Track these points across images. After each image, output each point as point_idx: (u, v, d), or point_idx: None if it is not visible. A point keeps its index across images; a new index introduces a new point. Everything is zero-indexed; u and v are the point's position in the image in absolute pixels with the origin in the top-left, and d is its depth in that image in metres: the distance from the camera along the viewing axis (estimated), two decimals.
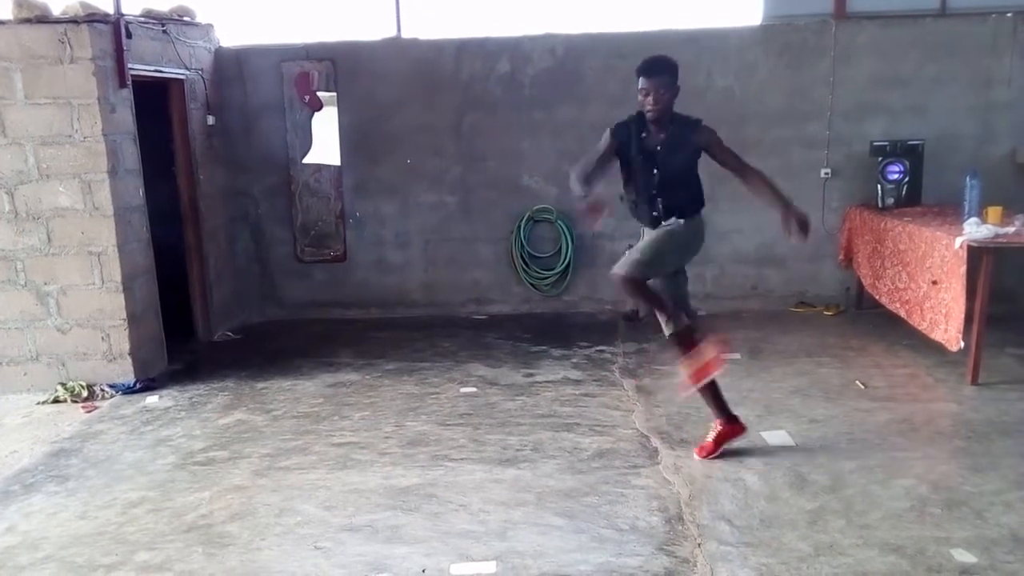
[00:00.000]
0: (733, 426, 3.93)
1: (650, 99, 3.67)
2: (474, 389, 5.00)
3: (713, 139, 3.77)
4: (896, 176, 6.02)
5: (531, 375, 5.24)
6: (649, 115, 3.72)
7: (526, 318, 6.72)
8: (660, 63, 3.70)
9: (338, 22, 6.81)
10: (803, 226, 3.56)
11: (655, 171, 3.75)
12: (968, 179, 5.22)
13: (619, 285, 3.85)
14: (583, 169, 3.76)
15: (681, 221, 3.80)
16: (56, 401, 5.02)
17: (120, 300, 5.11)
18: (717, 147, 3.77)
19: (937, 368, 4.98)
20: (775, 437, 4.07)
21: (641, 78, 3.69)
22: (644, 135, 3.77)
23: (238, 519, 3.44)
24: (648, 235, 3.88)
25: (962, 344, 4.65)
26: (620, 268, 3.79)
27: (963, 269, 4.56)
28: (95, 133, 4.92)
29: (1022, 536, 3.08)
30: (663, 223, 3.82)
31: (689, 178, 3.82)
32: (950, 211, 5.54)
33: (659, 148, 3.74)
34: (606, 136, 3.85)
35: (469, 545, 3.16)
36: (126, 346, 5.16)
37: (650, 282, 3.87)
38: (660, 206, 3.79)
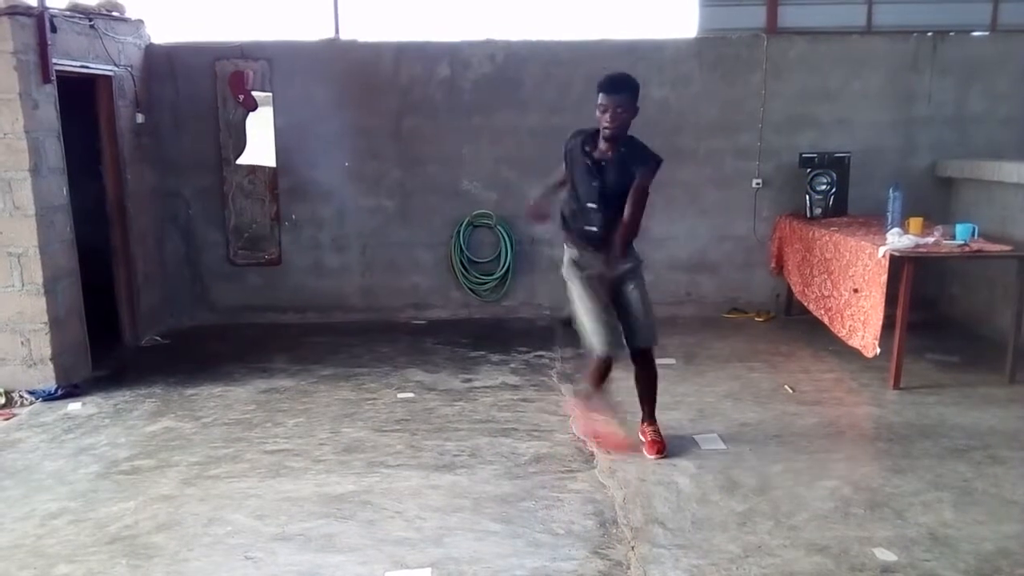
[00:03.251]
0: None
1: (607, 116, 3.63)
2: (412, 395, 4.97)
3: (643, 176, 3.69)
4: (824, 187, 6.22)
5: (469, 380, 5.23)
6: (605, 132, 3.68)
7: (465, 323, 6.71)
8: (623, 80, 3.65)
9: (275, 22, 6.69)
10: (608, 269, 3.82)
11: (595, 183, 3.74)
12: (891, 191, 5.43)
13: (647, 361, 4.02)
14: (546, 183, 4.06)
15: (630, 265, 3.88)
16: None
17: (41, 303, 4.91)
18: (639, 183, 3.69)
19: (861, 373, 5.15)
20: (707, 440, 4.16)
21: (601, 94, 3.63)
22: (593, 147, 3.77)
23: (165, 529, 3.34)
24: (631, 291, 3.87)
25: (878, 350, 4.83)
26: (649, 340, 3.96)
27: (884, 278, 4.74)
28: (16, 130, 4.72)
29: (939, 535, 3.20)
30: (599, 245, 3.80)
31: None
32: (874, 221, 5.75)
33: (604, 163, 3.74)
34: (563, 150, 3.91)
35: (404, 552, 3.13)
36: (47, 351, 4.96)
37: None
38: (596, 222, 3.77)
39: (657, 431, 4.05)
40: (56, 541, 3.27)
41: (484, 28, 6.66)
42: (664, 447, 3.98)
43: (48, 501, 3.61)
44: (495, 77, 6.57)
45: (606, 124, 3.66)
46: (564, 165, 3.91)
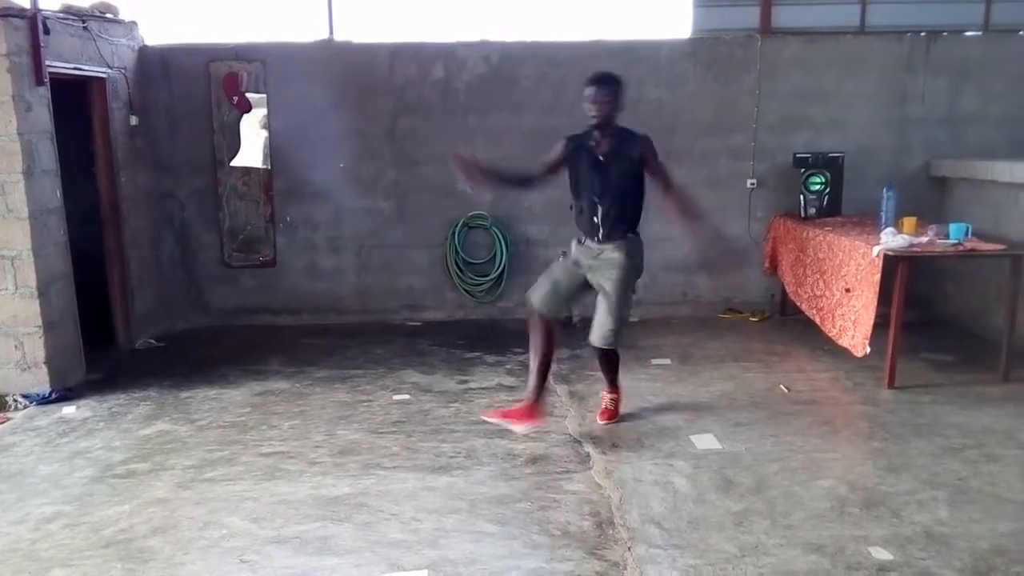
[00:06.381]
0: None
1: (594, 106, 3.98)
2: (407, 396, 4.96)
3: (649, 149, 4.07)
4: (818, 187, 6.23)
5: (465, 382, 5.23)
6: (593, 120, 4.00)
7: (460, 324, 6.71)
8: (606, 76, 4.03)
9: (269, 23, 6.68)
10: (711, 243, 4.21)
11: (598, 178, 4.05)
12: (885, 191, 5.44)
13: (603, 352, 4.25)
14: (519, 171, 4.36)
15: (622, 256, 4.07)
16: None
17: (35, 306, 4.89)
18: (651, 156, 4.07)
19: (856, 372, 5.16)
20: (703, 440, 4.16)
21: (589, 87, 4.01)
22: (592, 144, 4.08)
23: (160, 533, 3.33)
24: (607, 274, 4.09)
25: (868, 350, 4.84)
26: (605, 340, 4.14)
27: (877, 277, 4.75)
28: (9, 132, 4.71)
29: (935, 533, 3.21)
30: (601, 238, 4.09)
31: (631, 190, 4.10)
32: (868, 221, 5.76)
33: (602, 157, 4.06)
34: (559, 144, 4.17)
35: (400, 555, 3.13)
36: (41, 354, 4.94)
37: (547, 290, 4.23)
38: (600, 213, 4.06)
39: (614, 400, 4.43)
40: (51, 545, 3.25)
41: (479, 29, 6.67)
42: (615, 415, 4.39)
43: (43, 505, 3.60)
44: (490, 78, 6.57)
45: (593, 112, 3.99)
46: (555, 163, 4.19)
